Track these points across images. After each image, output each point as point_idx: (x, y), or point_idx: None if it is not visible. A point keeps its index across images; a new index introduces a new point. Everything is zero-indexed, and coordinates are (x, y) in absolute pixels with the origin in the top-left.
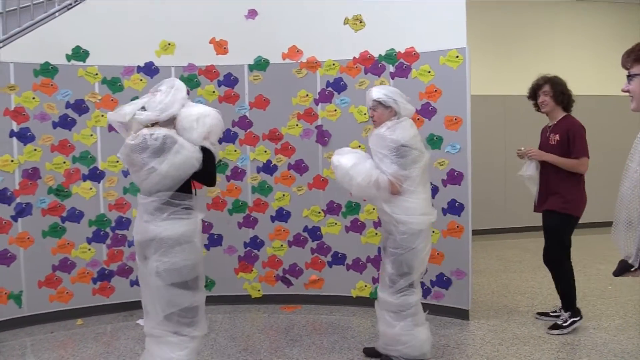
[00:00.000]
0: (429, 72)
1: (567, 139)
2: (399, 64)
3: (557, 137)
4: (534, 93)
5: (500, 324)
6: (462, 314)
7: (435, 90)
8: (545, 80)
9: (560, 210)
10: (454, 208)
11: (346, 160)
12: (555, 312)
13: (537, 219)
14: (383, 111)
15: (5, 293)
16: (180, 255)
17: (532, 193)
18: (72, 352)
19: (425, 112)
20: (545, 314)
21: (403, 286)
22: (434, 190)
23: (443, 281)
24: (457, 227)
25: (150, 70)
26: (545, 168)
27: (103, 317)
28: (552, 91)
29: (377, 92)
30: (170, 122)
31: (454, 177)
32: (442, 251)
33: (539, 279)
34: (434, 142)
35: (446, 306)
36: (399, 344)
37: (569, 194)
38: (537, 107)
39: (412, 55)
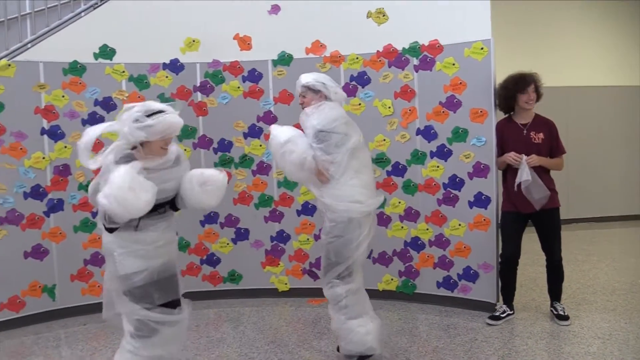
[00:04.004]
0: (454, 64)
1: (551, 137)
2: (422, 57)
3: (541, 135)
4: (516, 90)
5: (528, 317)
6: (489, 307)
7: (460, 83)
8: (532, 78)
9: (558, 205)
10: (481, 201)
11: (283, 132)
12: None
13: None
14: (312, 96)
15: (40, 286)
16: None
17: (536, 197)
18: (104, 343)
19: (450, 104)
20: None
21: (331, 277)
22: (460, 183)
23: (470, 274)
24: (484, 220)
25: (175, 67)
26: (536, 168)
27: None
28: (535, 89)
29: (306, 77)
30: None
31: (480, 170)
32: (468, 244)
33: (568, 273)
34: (459, 135)
35: (473, 299)
36: (340, 339)
37: (554, 189)
38: (507, 104)
39: (436, 47)
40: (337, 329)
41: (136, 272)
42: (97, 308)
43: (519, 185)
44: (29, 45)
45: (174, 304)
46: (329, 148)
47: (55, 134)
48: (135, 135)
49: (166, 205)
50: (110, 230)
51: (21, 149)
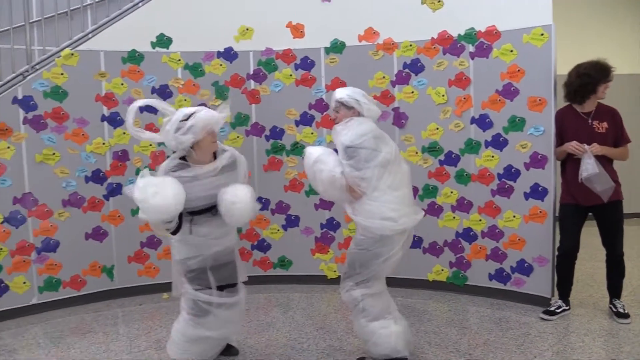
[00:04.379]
0: (511, 51)
1: (615, 126)
2: (479, 44)
3: (604, 124)
4: (599, 80)
5: (585, 314)
6: (543, 302)
7: (518, 70)
8: (610, 69)
9: (621, 198)
10: (537, 192)
11: (313, 151)
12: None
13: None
14: (345, 112)
15: (99, 267)
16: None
17: (599, 189)
18: (159, 323)
19: (507, 93)
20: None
21: (349, 284)
22: (516, 174)
23: (524, 268)
24: (540, 212)
25: (229, 55)
26: (599, 158)
27: None
28: None
29: (340, 92)
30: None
31: (538, 161)
32: (523, 237)
33: (628, 269)
34: (516, 124)
35: (527, 293)
36: (365, 343)
37: (617, 180)
38: (579, 93)
39: (493, 34)
40: (360, 333)
41: (189, 258)
42: (152, 289)
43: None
44: (90, 35)
45: (230, 289)
46: (359, 164)
47: (114, 121)
48: (185, 140)
49: None
50: (173, 233)
51: (83, 134)
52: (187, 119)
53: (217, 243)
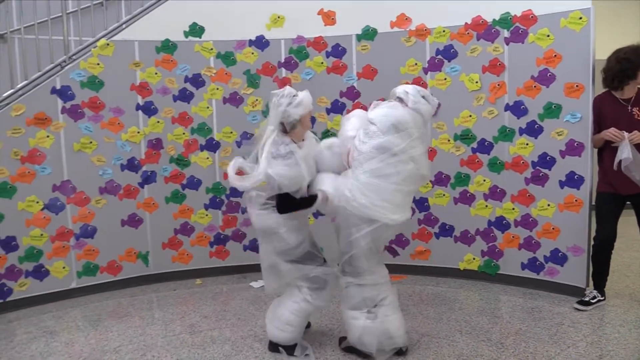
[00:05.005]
0: (548, 36)
1: None
2: (514, 29)
3: None
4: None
5: (621, 304)
6: (578, 292)
7: (555, 56)
8: None
9: None
10: (573, 181)
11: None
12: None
13: None
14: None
15: (135, 253)
16: (274, 242)
17: (637, 177)
18: (193, 308)
19: (543, 79)
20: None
21: (341, 269)
22: (551, 161)
23: (558, 257)
24: (576, 200)
25: (261, 43)
26: (638, 146)
27: (219, 278)
28: None
29: (400, 87)
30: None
31: (574, 148)
32: (557, 226)
33: None
34: (552, 110)
35: (561, 283)
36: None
37: None
38: (621, 78)
39: (529, 18)
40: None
41: (301, 242)
42: (185, 275)
43: (619, 164)
44: (124, 25)
45: (325, 262)
46: (365, 137)
47: (149, 110)
48: (294, 113)
49: None
50: (283, 211)
51: (119, 123)
52: (295, 96)
53: (306, 223)
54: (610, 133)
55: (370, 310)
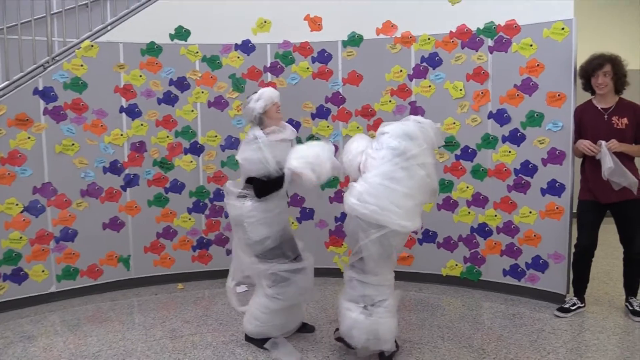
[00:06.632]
0: (531, 45)
1: (636, 122)
2: (498, 38)
3: (624, 120)
4: (589, 72)
5: (600, 311)
6: (558, 299)
7: (538, 65)
8: (606, 60)
9: None
10: (554, 188)
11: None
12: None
13: None
14: None
15: (116, 256)
16: (239, 234)
17: (624, 182)
18: (174, 313)
19: (526, 87)
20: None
21: (350, 262)
22: (533, 169)
23: (539, 264)
24: (557, 208)
25: (247, 47)
26: (618, 155)
27: (201, 282)
28: (613, 72)
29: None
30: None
31: (556, 156)
32: (539, 233)
33: None
34: (534, 119)
35: (541, 290)
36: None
37: (638, 178)
38: (587, 86)
39: (512, 28)
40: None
41: (267, 237)
42: (167, 279)
43: (607, 172)
44: (109, 27)
45: (297, 259)
46: (379, 144)
47: (132, 112)
48: (257, 107)
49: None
50: (260, 195)
51: (102, 125)
52: (255, 93)
53: (281, 220)
54: (585, 146)
55: (367, 307)
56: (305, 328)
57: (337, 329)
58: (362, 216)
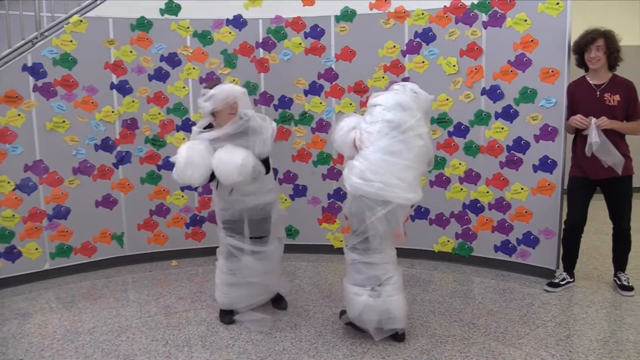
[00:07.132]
0: (525, 20)
1: (629, 99)
2: (492, 13)
3: (617, 97)
4: (582, 47)
5: (589, 286)
6: (548, 274)
7: (532, 40)
8: (599, 34)
9: (631, 173)
10: (546, 165)
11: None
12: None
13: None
14: None
15: (109, 234)
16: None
17: (609, 161)
18: (168, 289)
19: (520, 63)
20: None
21: (349, 244)
22: (525, 146)
23: (530, 240)
24: (548, 184)
25: (238, 22)
26: (608, 132)
27: (195, 259)
28: (606, 47)
29: (397, 85)
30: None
31: (548, 133)
32: (530, 209)
33: (635, 243)
34: (527, 95)
35: (532, 265)
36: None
37: (629, 155)
38: (580, 62)
39: (507, 3)
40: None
41: (224, 209)
42: (161, 256)
43: (590, 148)
44: (99, 1)
45: (260, 239)
46: (372, 117)
47: (123, 89)
48: (205, 106)
49: None
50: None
51: (92, 102)
52: (211, 88)
53: (253, 199)
54: (576, 120)
55: (375, 288)
56: (278, 303)
57: (343, 313)
58: (367, 194)
